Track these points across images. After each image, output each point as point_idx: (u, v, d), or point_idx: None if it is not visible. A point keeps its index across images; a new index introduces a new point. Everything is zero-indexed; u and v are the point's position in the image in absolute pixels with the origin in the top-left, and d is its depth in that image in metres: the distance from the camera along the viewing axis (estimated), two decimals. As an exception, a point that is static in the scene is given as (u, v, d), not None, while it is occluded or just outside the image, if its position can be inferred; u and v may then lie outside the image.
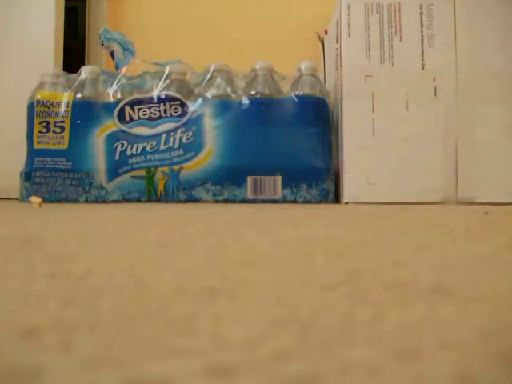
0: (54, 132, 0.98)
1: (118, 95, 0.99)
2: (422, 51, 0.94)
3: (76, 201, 0.97)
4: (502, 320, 0.16)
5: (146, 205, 0.88)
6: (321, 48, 1.25)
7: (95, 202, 0.97)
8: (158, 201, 0.96)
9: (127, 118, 0.98)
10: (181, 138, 0.96)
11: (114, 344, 0.13)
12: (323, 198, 0.95)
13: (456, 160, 0.93)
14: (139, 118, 0.98)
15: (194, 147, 0.96)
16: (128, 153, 0.97)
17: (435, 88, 0.93)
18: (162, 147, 0.96)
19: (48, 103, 0.99)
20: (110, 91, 1.00)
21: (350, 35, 0.94)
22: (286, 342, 0.13)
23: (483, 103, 0.93)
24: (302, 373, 0.11)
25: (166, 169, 0.96)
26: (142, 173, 0.96)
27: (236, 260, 0.27)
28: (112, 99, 0.99)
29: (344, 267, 0.24)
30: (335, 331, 0.14)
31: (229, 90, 0.99)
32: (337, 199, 0.97)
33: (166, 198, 0.96)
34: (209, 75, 1.00)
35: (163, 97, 0.98)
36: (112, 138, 0.97)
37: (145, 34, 1.41)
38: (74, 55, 1.43)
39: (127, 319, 0.16)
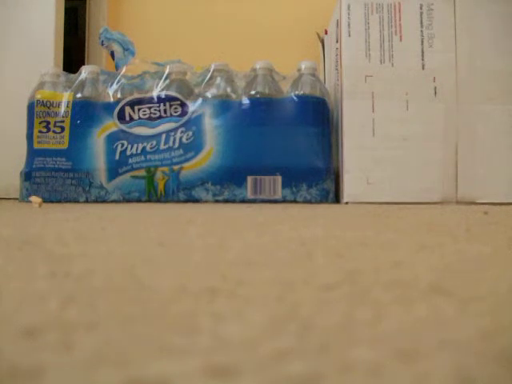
0: (54, 132, 0.98)
1: (118, 95, 1.00)
2: (422, 51, 0.94)
3: (76, 201, 0.97)
4: (502, 320, 0.16)
5: (145, 205, 0.88)
6: (321, 48, 1.25)
7: (95, 202, 0.97)
8: (158, 201, 0.96)
9: (127, 118, 0.98)
10: (181, 138, 0.96)
11: (114, 344, 0.13)
12: (323, 198, 0.95)
13: (456, 160, 0.93)
14: (139, 118, 0.98)
15: (193, 147, 0.96)
16: (128, 153, 0.97)
17: (435, 88, 0.93)
18: (162, 147, 0.96)
19: (48, 103, 0.99)
20: (110, 91, 1.00)
21: (349, 35, 0.94)
22: (286, 342, 0.13)
23: (483, 103, 0.93)
24: (301, 373, 0.11)
25: (165, 169, 0.96)
26: (142, 173, 0.96)
27: (236, 260, 0.27)
28: (112, 99, 0.99)
29: (344, 267, 0.24)
30: (335, 331, 0.14)
31: (229, 90, 0.99)
32: (337, 199, 0.97)
33: (166, 197, 0.96)
34: (209, 75, 1.00)
35: (163, 97, 0.98)
36: (112, 138, 0.97)
37: (145, 34, 1.41)
38: (74, 55, 1.43)
39: (127, 319, 0.16)
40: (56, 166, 0.97)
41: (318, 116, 0.98)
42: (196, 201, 0.95)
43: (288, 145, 0.96)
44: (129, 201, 0.96)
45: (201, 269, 0.24)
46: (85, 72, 1.02)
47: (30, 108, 1.00)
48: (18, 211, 0.71)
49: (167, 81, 1.00)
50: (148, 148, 0.96)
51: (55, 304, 0.17)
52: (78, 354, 0.12)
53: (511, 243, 0.35)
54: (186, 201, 0.95)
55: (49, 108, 0.99)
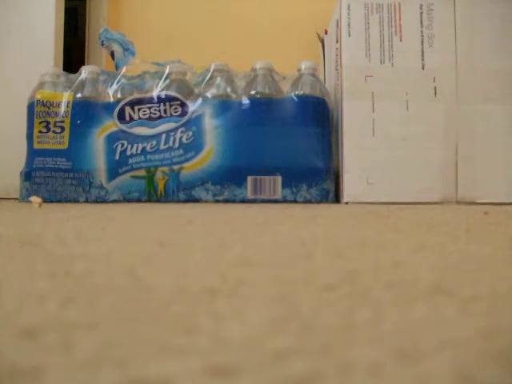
0: (54, 132, 0.98)
1: (118, 95, 0.99)
2: (422, 51, 0.94)
3: (76, 201, 0.97)
4: (502, 320, 0.16)
5: (146, 205, 0.88)
6: (321, 48, 1.25)
7: (95, 202, 0.96)
8: (158, 201, 0.96)
9: (127, 118, 0.98)
10: (181, 138, 0.96)
11: (114, 344, 0.13)
12: (323, 198, 0.95)
13: (456, 160, 0.93)
14: (139, 118, 0.98)
15: (193, 147, 0.96)
16: (128, 153, 0.97)
17: (435, 88, 0.93)
18: (162, 147, 0.96)
19: (48, 103, 0.99)
20: (110, 91, 1.00)
21: (350, 35, 0.94)
22: (286, 342, 0.13)
23: (483, 103, 0.93)
24: (302, 373, 0.11)
25: (165, 169, 0.96)
26: (142, 173, 0.96)
27: (236, 260, 0.27)
28: (112, 99, 0.99)
29: (344, 267, 0.24)
30: (335, 331, 0.14)
31: (229, 89, 0.99)
32: (337, 199, 0.97)
33: (166, 197, 0.96)
34: (209, 75, 1.00)
35: (163, 97, 0.98)
36: (112, 138, 0.97)
37: (145, 34, 1.41)
38: (74, 55, 1.43)
39: (127, 319, 0.16)
40: (56, 165, 0.97)
41: (318, 116, 0.98)
42: (196, 201, 0.95)
43: (288, 145, 0.96)
44: (129, 201, 0.96)
45: (201, 269, 0.24)
46: (85, 72, 1.02)
47: (30, 108, 1.00)
48: (18, 211, 0.71)
49: (167, 81, 1.00)
50: (148, 148, 0.96)
51: (55, 304, 0.17)
52: (78, 353, 0.12)
53: (511, 243, 0.35)
54: (186, 201, 0.95)
55: (49, 108, 0.99)
